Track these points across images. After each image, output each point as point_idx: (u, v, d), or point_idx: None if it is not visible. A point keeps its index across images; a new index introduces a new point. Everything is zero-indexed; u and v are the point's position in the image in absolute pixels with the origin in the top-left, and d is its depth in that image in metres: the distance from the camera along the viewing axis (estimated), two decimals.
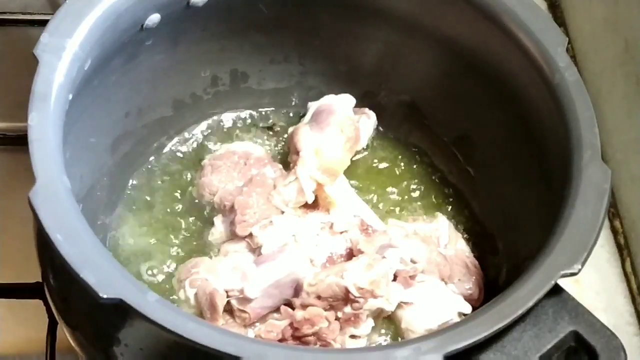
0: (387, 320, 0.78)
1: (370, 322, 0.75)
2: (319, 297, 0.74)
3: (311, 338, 0.73)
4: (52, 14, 0.70)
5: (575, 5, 1.14)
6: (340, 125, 0.85)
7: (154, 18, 0.76)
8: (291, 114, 0.94)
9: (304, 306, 0.73)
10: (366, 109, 0.90)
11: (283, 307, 0.74)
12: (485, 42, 0.80)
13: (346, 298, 0.74)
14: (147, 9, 0.75)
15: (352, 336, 0.75)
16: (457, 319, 0.76)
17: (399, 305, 0.76)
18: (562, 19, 1.16)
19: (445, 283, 0.79)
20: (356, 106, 0.89)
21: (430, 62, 0.87)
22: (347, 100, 0.88)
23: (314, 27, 0.88)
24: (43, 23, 0.71)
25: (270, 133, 0.92)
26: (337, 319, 0.74)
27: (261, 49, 0.89)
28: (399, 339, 0.77)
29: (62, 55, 0.67)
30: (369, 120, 0.90)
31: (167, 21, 0.77)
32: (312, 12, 0.86)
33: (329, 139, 0.84)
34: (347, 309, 0.74)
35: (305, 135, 0.84)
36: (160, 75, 0.84)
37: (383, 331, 0.77)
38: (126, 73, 0.79)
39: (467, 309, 0.77)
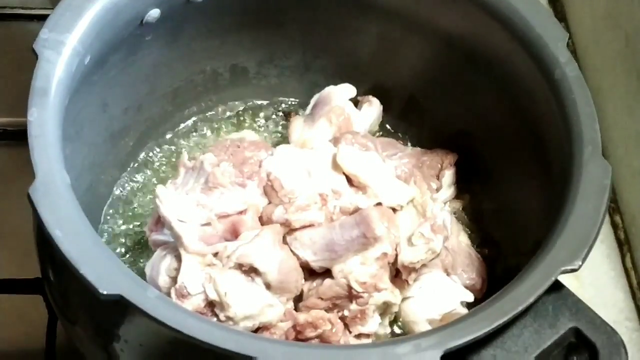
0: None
1: (377, 319, 0.75)
2: (321, 298, 0.73)
3: (315, 341, 0.72)
4: (52, 9, 0.69)
5: (575, 0, 1.14)
6: (329, 116, 0.85)
7: (154, 13, 0.76)
8: (291, 109, 0.94)
9: (307, 308, 0.73)
10: (370, 97, 0.89)
11: (287, 310, 0.73)
12: (486, 37, 0.80)
13: (350, 295, 0.73)
14: (146, 4, 0.75)
15: (359, 335, 0.74)
16: (459, 308, 0.76)
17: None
18: (562, 14, 1.16)
19: (448, 274, 0.79)
20: None
21: (430, 57, 0.87)
22: (345, 90, 0.88)
23: (313, 22, 0.88)
24: (43, 18, 0.71)
25: (277, 119, 0.93)
26: (343, 318, 0.74)
27: (261, 45, 0.89)
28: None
29: (62, 51, 0.67)
30: (370, 107, 0.88)
31: (166, 16, 0.77)
32: (312, 7, 0.86)
33: (318, 132, 0.84)
34: (353, 306, 0.74)
35: (296, 128, 0.84)
36: (160, 71, 0.84)
37: (385, 323, 0.77)
38: (126, 68, 0.79)
39: (470, 297, 0.77)
